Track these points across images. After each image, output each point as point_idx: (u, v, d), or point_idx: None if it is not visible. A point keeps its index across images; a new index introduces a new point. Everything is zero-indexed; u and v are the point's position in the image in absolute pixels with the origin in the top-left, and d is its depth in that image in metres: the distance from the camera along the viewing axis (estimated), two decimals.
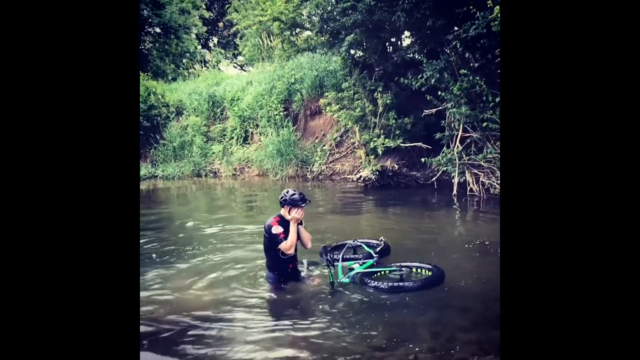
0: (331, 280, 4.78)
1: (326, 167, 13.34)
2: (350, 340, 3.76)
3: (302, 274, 5.18)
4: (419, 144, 10.65)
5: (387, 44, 11.64)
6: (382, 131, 11.04)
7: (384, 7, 10.03)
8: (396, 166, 11.08)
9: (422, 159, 10.18)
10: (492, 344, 3.60)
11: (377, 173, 11.07)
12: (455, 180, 9.84)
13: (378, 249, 5.52)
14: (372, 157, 11.19)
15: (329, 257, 4.89)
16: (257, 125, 15.36)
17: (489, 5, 8.15)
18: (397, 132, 10.83)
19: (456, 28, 9.22)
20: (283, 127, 14.24)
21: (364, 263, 5.09)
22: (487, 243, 6.29)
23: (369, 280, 4.74)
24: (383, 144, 10.77)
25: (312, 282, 5.07)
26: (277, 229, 4.79)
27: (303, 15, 16.68)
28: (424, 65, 9.56)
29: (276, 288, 4.92)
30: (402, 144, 10.75)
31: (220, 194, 13.31)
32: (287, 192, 4.86)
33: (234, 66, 28.22)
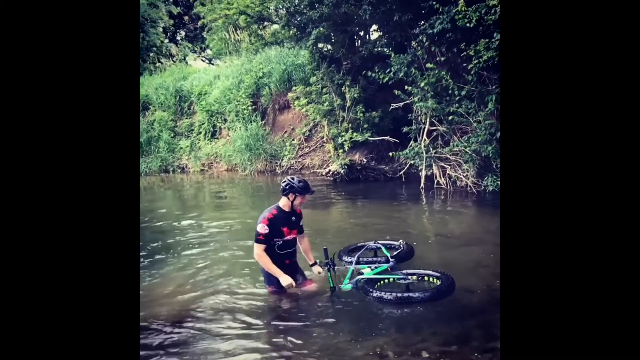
0: (332, 285, 4.39)
1: (295, 161, 13.29)
2: (320, 333, 3.77)
3: (307, 274, 4.72)
4: (387, 137, 10.71)
5: (354, 37, 11.64)
6: (350, 125, 11.06)
7: (351, 1, 10.03)
8: (364, 160, 11.14)
9: (390, 153, 10.25)
10: (456, 335, 3.65)
11: (346, 167, 11.11)
12: (423, 174, 9.95)
13: (395, 252, 4.99)
14: (341, 151, 11.21)
15: (329, 260, 4.40)
16: (225, 120, 15.19)
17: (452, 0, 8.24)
18: (365, 126, 10.87)
19: (422, 22, 9.28)
20: (251, 122, 14.12)
21: (376, 268, 4.54)
22: (453, 235, 6.39)
23: (371, 290, 4.24)
24: (351, 138, 10.81)
25: (309, 285, 4.62)
26: (262, 228, 4.28)
27: (270, 8, 16.57)
28: (391, 59, 9.60)
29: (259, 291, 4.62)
30: (370, 138, 10.80)
31: (189, 190, 13.13)
32: (293, 180, 4.38)
33: (202, 60, 27.83)
